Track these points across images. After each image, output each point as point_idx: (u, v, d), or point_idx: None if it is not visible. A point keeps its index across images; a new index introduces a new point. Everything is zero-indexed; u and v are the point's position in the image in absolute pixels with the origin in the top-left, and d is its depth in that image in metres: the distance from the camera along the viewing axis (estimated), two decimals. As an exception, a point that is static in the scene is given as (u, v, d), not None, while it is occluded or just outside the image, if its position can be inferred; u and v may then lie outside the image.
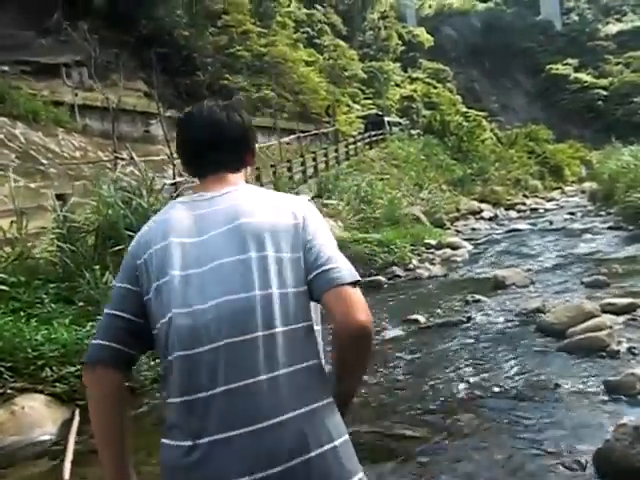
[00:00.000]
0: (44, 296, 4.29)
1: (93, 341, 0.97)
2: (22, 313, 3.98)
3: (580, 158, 31.71)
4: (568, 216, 13.57)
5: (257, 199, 1.00)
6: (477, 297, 5.56)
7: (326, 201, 11.52)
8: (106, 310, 0.98)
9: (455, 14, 54.64)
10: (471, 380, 3.39)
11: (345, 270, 0.92)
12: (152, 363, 3.54)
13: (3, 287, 4.21)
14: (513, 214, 16.31)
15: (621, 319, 4.10)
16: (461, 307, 5.37)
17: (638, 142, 17.17)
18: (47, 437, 3.15)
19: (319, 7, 29.17)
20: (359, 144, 19.61)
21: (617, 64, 50.25)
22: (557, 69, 50.02)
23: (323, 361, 0.96)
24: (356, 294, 0.90)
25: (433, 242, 9.75)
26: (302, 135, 18.55)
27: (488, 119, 34.17)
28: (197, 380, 0.88)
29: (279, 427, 0.85)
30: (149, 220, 1.03)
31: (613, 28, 54.75)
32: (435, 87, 34.64)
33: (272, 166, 12.78)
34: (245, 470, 0.83)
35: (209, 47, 20.55)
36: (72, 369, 3.53)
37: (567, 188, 25.32)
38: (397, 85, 31.82)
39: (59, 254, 4.88)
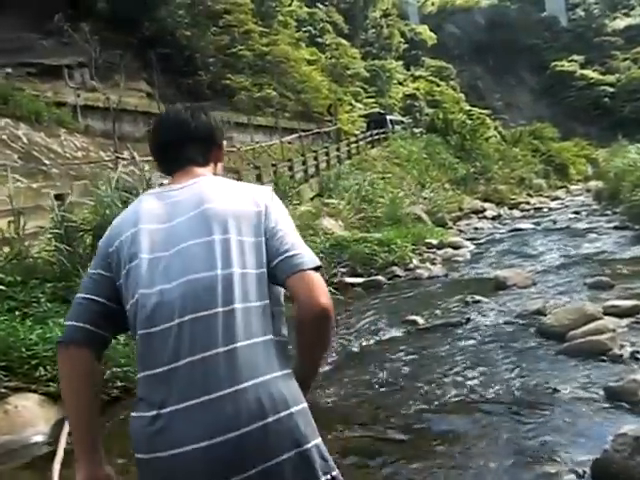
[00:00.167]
0: (40, 295, 4.31)
1: (67, 322, 1.02)
2: (17, 312, 3.98)
3: (586, 156, 31.46)
4: (573, 215, 13.43)
5: (221, 187, 1.06)
6: (477, 298, 5.48)
7: (327, 200, 11.45)
8: (79, 295, 1.03)
9: (458, 11, 54.29)
10: (468, 383, 3.32)
11: (307, 257, 0.98)
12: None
13: (0, 287, 4.20)
14: (517, 213, 16.16)
15: (624, 322, 4.00)
16: (461, 308, 5.29)
17: (645, 140, 16.98)
18: (40, 437, 3.15)
19: (321, 6, 29.09)
20: (361, 143, 19.51)
21: (624, 60, 49.71)
22: (562, 66, 49.57)
23: (285, 338, 1.01)
24: (318, 278, 0.97)
25: (434, 242, 9.65)
26: (304, 134, 18.50)
27: (492, 117, 33.95)
28: (161, 355, 0.93)
29: (237, 395, 0.89)
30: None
31: (620, 23, 54.14)
32: (438, 85, 34.46)
33: (273, 165, 12.73)
34: (205, 435, 0.88)
35: (211, 47, 20.54)
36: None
37: (572, 187, 25.10)
38: (400, 83, 31.67)
39: (56, 254, 4.87)
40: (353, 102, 25.76)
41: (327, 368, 3.97)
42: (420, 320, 4.94)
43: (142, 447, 0.93)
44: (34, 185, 8.83)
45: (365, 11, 32.59)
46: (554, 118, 39.48)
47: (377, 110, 24.71)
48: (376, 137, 21.06)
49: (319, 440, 0.94)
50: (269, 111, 20.84)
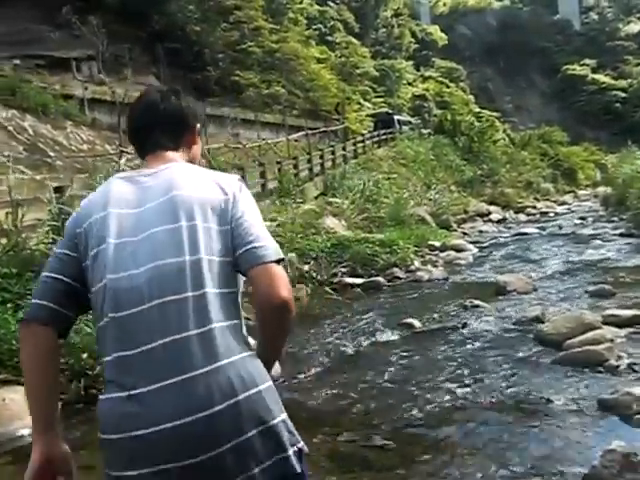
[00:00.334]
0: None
1: (32, 300, 1.03)
2: (10, 305, 3.96)
3: (595, 161, 31.13)
4: (579, 221, 13.28)
5: (191, 175, 1.07)
6: (476, 302, 5.42)
7: (331, 199, 11.40)
8: (44, 273, 1.04)
9: (470, 12, 53.91)
10: (459, 391, 3.27)
11: (271, 249, 1.00)
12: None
13: (-6, 278, 4.20)
14: (522, 217, 16.03)
15: (623, 332, 3.92)
16: (458, 312, 5.23)
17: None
18: (27, 430, 3.11)
19: (332, 4, 29.00)
20: (367, 142, 19.43)
21: (637, 65, 49.11)
22: (574, 69, 49.07)
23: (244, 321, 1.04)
24: (280, 271, 0.99)
25: (437, 244, 9.58)
26: (311, 132, 18.44)
27: (501, 120, 33.70)
28: (131, 338, 0.95)
29: (209, 375, 0.92)
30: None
31: (634, 27, 53.45)
32: (448, 86, 34.23)
33: (278, 163, 12.69)
34: (177, 415, 0.90)
35: (220, 43, 20.53)
36: (56, 363, 3.50)
37: (580, 192, 24.86)
38: (409, 84, 31.51)
39: (53, 246, 4.86)
40: (362, 101, 25.67)
41: (319, 370, 3.93)
42: (417, 323, 4.89)
43: (111, 428, 0.94)
44: (37, 177, 8.86)
45: (376, 10, 32.45)
46: (564, 122, 39.10)
47: (385, 110, 24.59)
48: (383, 137, 20.96)
49: (285, 415, 0.98)
50: (277, 108, 20.80)
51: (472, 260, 8.65)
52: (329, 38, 27.11)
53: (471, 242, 10.54)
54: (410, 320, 4.96)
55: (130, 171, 1.15)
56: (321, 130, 20.50)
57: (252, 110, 19.32)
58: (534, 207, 18.27)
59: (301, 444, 0.97)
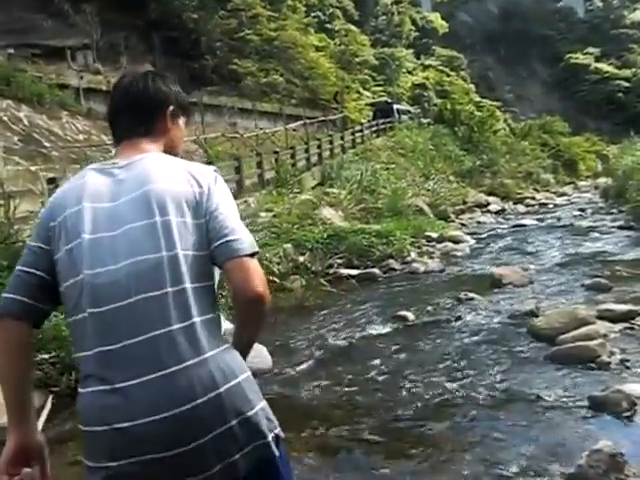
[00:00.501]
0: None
1: (4, 294, 1.03)
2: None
3: (596, 152, 30.92)
4: (578, 213, 13.21)
5: (165, 167, 1.06)
6: (471, 295, 5.39)
7: (328, 189, 11.32)
8: (18, 267, 1.04)
9: (472, -1, 53.24)
10: (449, 385, 3.25)
11: (246, 242, 1.00)
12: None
13: (-16, 272, 4.16)
14: (521, 208, 15.96)
15: (617, 327, 3.88)
16: (453, 305, 5.20)
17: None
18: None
19: (331, -9, 28.57)
20: (366, 132, 19.27)
21: (642, 54, 48.60)
22: (577, 58, 48.52)
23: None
24: (254, 265, 1.00)
25: (434, 235, 9.53)
26: (309, 122, 18.30)
27: (502, 109, 33.44)
28: (113, 333, 0.95)
29: (191, 369, 0.94)
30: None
31: (640, 15, 52.82)
32: (448, 75, 33.93)
33: (275, 153, 12.59)
34: (161, 408, 0.92)
35: (218, 31, 20.27)
36: (46, 356, 3.49)
37: (580, 183, 24.73)
38: (409, 72, 31.23)
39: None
40: (361, 90, 25.46)
41: (310, 363, 3.92)
42: (410, 316, 4.86)
43: (94, 420, 0.95)
44: (32, 168, 8.79)
45: (376, -3, 32.02)
46: (565, 112, 38.81)
47: (384, 99, 24.38)
48: (382, 126, 20.80)
49: (264, 403, 1.01)
50: (275, 97, 20.62)
51: (469, 252, 8.60)
52: (328, 26, 26.80)
53: (469, 233, 10.49)
54: (404, 313, 4.93)
55: (104, 162, 1.12)
56: (319, 119, 20.34)
57: (250, 99, 19.14)
58: (533, 198, 18.18)
59: (278, 429, 1.01)
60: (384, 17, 32.83)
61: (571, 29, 52.20)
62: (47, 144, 11.50)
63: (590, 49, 48.87)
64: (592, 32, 50.85)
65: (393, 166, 15.25)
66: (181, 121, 1.17)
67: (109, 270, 0.97)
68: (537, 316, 4.30)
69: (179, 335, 0.95)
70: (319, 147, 14.57)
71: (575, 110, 43.39)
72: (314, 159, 14.12)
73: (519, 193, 18.77)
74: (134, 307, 0.96)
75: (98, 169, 1.08)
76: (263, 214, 7.95)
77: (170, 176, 1.04)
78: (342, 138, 16.93)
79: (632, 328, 3.88)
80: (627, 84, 45.67)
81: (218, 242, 1.00)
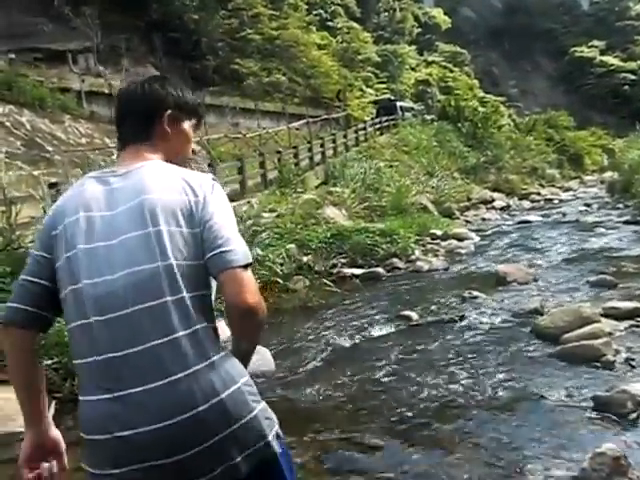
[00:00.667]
0: (28, 287, 4.25)
1: (9, 304, 1.05)
2: (2, 305, 3.94)
3: (602, 146, 30.63)
4: (583, 208, 13.09)
5: (161, 176, 1.06)
6: (475, 294, 5.35)
7: (331, 188, 11.29)
8: (22, 276, 1.06)
9: (475, -6, 52.75)
10: (453, 386, 3.22)
11: (240, 253, 1.00)
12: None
13: (-13, 278, 4.17)
14: (526, 204, 15.84)
15: (623, 325, 3.84)
16: (457, 304, 5.17)
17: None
18: (21, 430, 3.10)
19: (332, -12, 28.46)
20: (369, 130, 19.20)
21: (648, 46, 48.00)
22: (582, 51, 47.99)
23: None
24: (247, 277, 0.99)
25: (439, 233, 9.48)
26: (312, 120, 18.25)
27: (506, 104, 33.19)
28: (114, 342, 0.96)
29: (193, 377, 0.95)
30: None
31: (645, 6, 52.10)
32: (452, 71, 33.69)
33: (278, 152, 12.56)
34: (165, 415, 0.93)
35: (219, 31, 20.25)
36: (49, 362, 3.49)
37: (586, 178, 24.51)
38: (412, 69, 31.05)
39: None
40: (364, 88, 25.35)
41: (314, 364, 3.90)
42: (414, 316, 4.84)
43: (96, 429, 0.96)
44: (35, 173, 8.83)
45: (378, -6, 31.87)
46: (571, 106, 38.42)
47: (387, 96, 24.28)
48: (385, 124, 20.72)
49: (263, 403, 1.03)
50: (277, 96, 20.58)
51: (474, 249, 8.55)
52: (330, 23, 26.70)
53: (473, 230, 10.43)
54: (408, 312, 4.90)
55: (103, 170, 1.12)
56: (322, 118, 20.28)
57: (252, 99, 19.11)
58: (538, 194, 18.05)
59: (276, 427, 1.02)
60: (386, 14, 32.67)
61: (576, 22, 51.65)
62: (50, 148, 11.54)
63: (595, 42, 48.32)
64: (597, 25, 50.28)
65: (397, 164, 15.18)
66: (186, 124, 1.15)
67: (106, 280, 0.98)
68: (542, 314, 4.26)
69: (184, 342, 0.96)
70: (322, 146, 14.52)
71: (580, 104, 42.96)
72: (317, 158, 14.08)
73: (524, 189, 18.64)
74: (131, 317, 0.97)
75: (96, 177, 1.09)
76: (266, 214, 7.94)
77: (165, 185, 1.04)
78: (345, 136, 16.88)
79: (638, 326, 3.84)
80: (633, 77, 45.11)
81: (211, 253, 1.00)
